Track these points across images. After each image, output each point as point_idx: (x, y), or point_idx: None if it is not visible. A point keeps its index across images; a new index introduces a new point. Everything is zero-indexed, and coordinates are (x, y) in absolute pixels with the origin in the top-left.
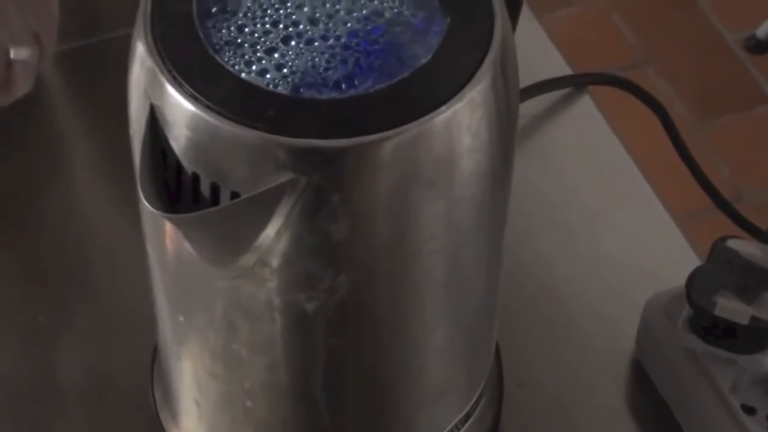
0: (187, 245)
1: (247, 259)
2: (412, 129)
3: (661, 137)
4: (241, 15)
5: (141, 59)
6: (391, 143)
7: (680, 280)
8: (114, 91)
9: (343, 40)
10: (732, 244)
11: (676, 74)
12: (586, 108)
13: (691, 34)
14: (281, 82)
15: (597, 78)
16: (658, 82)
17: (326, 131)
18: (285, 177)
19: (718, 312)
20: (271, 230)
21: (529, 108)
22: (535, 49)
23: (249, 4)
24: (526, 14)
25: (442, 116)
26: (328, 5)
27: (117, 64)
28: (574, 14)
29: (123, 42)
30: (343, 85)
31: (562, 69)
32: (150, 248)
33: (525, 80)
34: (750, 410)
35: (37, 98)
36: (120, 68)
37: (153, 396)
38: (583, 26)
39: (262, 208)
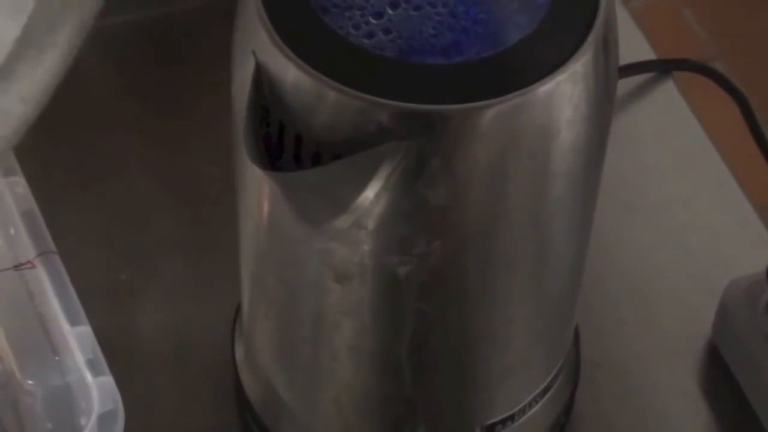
0: (283, 205)
1: (344, 221)
2: (515, 98)
3: (739, 127)
4: None
5: (248, 18)
6: (493, 111)
7: (758, 268)
8: (186, 60)
9: (450, 7)
10: None
11: (745, 71)
12: (669, 93)
13: (762, 32)
14: (388, 46)
15: (682, 64)
16: None
17: (430, 97)
18: (387, 140)
19: None
20: (370, 193)
21: None
22: (621, 33)
23: None
24: None
25: (545, 87)
26: None
27: (190, 34)
28: (644, 7)
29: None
30: (450, 52)
31: (647, 54)
32: (243, 207)
33: None
34: None
35: (113, 67)
36: (196, 37)
37: (234, 355)
38: (654, 19)
39: (363, 170)
